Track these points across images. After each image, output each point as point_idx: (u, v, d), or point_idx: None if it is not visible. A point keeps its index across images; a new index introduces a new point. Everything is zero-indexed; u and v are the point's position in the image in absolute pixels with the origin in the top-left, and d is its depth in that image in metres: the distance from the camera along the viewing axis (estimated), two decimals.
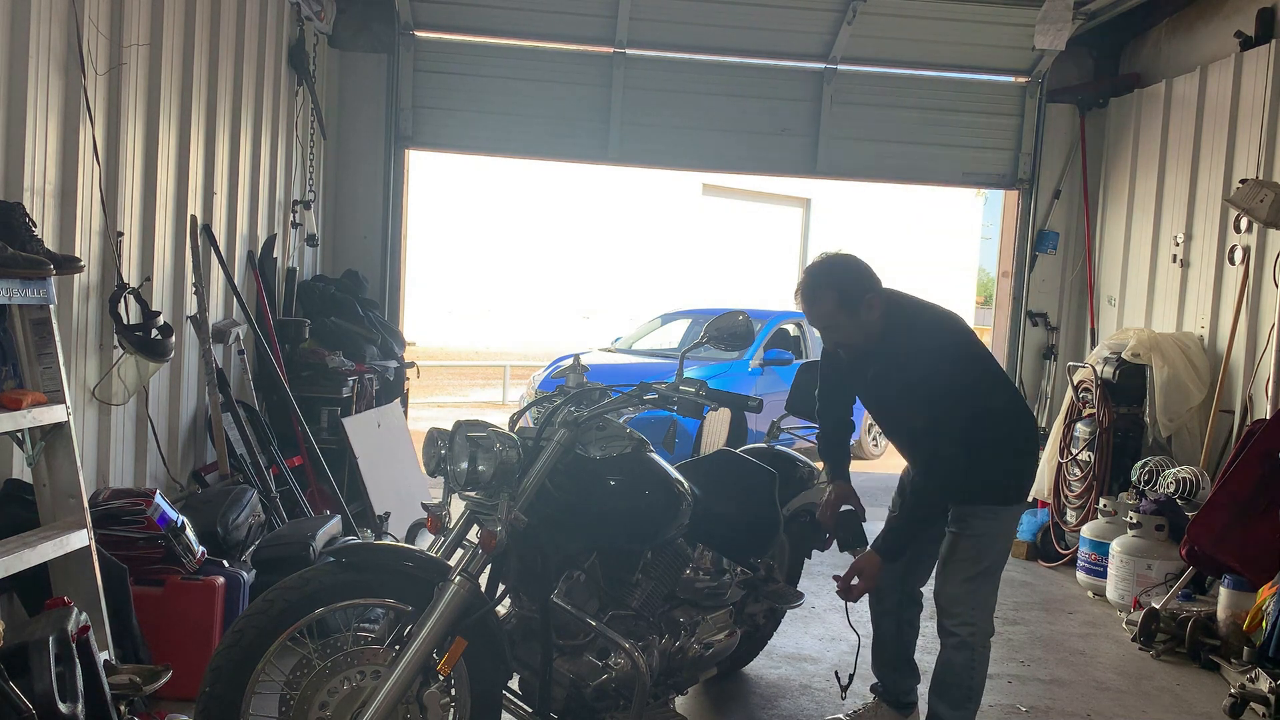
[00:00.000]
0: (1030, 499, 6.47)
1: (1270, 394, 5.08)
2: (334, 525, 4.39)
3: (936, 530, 3.35)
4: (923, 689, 3.62)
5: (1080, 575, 5.66)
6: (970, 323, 3.49)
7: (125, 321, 3.78)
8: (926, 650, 3.65)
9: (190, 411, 4.64)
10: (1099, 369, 6.02)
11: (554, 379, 7.97)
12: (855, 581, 3.22)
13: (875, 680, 3.69)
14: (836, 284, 3.13)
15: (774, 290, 26.23)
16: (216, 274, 4.85)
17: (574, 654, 2.91)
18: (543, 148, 7.06)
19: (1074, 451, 6.08)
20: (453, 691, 2.63)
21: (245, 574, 3.71)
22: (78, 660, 2.61)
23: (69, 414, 3.03)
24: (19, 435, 2.96)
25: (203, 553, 3.57)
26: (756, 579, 3.60)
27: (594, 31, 6.79)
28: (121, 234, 3.92)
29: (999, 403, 3.30)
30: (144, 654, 3.26)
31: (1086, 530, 5.64)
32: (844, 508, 3.43)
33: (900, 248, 30.86)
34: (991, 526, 3.27)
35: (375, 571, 2.62)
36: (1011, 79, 7.20)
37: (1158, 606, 4.69)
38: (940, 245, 31.40)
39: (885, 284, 3.24)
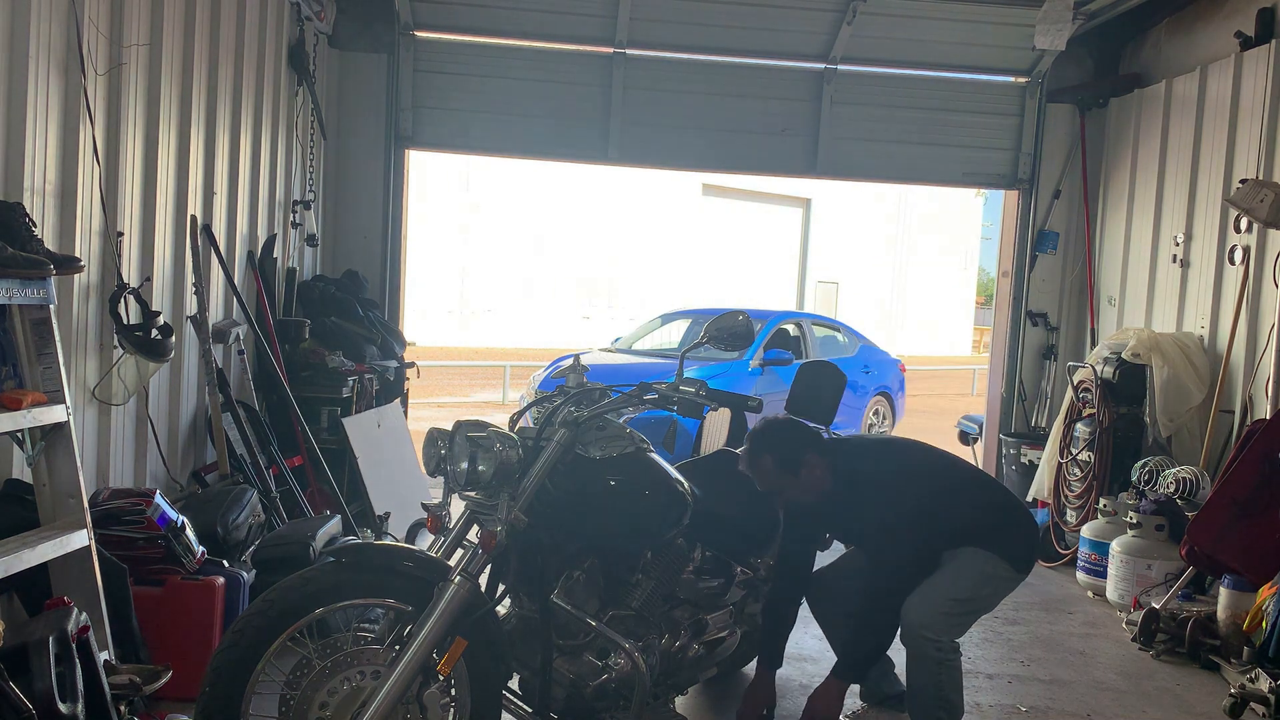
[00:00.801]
0: (1030, 499, 6.49)
1: (1270, 394, 5.08)
2: (334, 525, 4.39)
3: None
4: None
5: (1080, 575, 5.66)
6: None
7: (125, 321, 3.77)
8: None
9: (190, 411, 4.64)
10: (1099, 369, 6.02)
11: (554, 379, 7.96)
12: (817, 713, 3.23)
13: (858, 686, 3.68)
14: (772, 448, 3.27)
15: (774, 290, 26.29)
16: (216, 274, 4.85)
17: (574, 654, 2.91)
18: (543, 148, 7.06)
19: (1074, 451, 6.08)
20: (453, 691, 2.64)
21: (245, 574, 3.71)
22: (78, 660, 2.61)
23: (69, 414, 3.03)
24: (19, 435, 2.96)
25: (203, 553, 3.56)
26: (756, 579, 3.60)
27: (594, 31, 6.79)
28: (121, 234, 3.92)
29: (979, 494, 3.49)
30: (144, 654, 3.26)
31: (1086, 530, 5.64)
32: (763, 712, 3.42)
33: (900, 248, 30.95)
34: (983, 567, 3.29)
35: (375, 571, 2.63)
36: (1011, 79, 7.20)
37: (1158, 606, 4.69)
38: (940, 245, 31.43)
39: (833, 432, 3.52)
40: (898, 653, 3.55)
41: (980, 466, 7.28)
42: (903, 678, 3.56)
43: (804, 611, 3.99)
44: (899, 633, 3.29)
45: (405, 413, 6.51)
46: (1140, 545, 5.15)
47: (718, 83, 6.97)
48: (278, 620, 2.47)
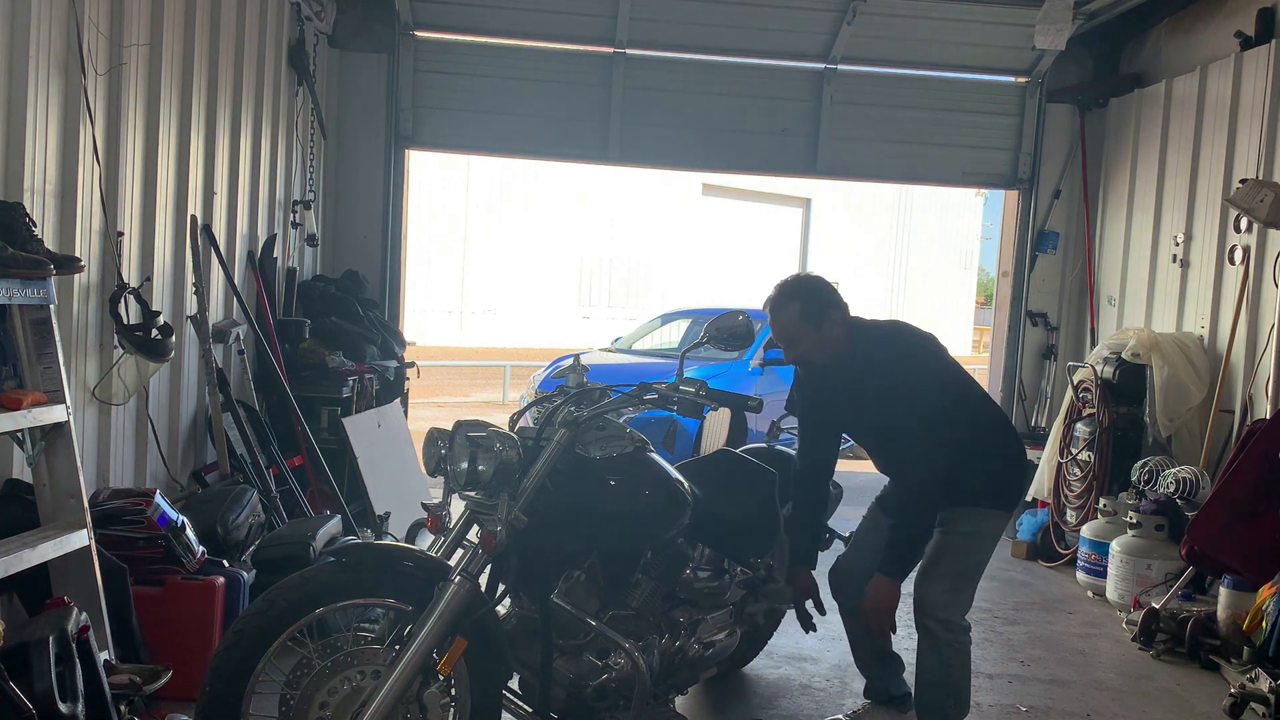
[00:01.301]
0: (1030, 499, 6.49)
1: (1270, 394, 5.08)
2: (334, 525, 4.39)
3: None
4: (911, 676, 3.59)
5: (1080, 575, 5.66)
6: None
7: (125, 321, 3.78)
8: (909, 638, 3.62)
9: (190, 411, 4.64)
10: (1099, 369, 6.03)
11: (554, 379, 7.96)
12: (872, 608, 3.18)
13: (865, 682, 3.67)
14: (800, 296, 3.22)
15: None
16: (216, 274, 4.85)
17: (574, 654, 2.91)
18: (543, 148, 7.07)
19: (1074, 451, 6.09)
20: (453, 691, 2.63)
21: (245, 574, 3.71)
22: (78, 660, 2.61)
23: (69, 414, 3.03)
24: (19, 435, 2.96)
25: (203, 553, 3.56)
26: (756, 579, 3.60)
27: (594, 31, 6.79)
28: (121, 234, 3.92)
29: (981, 412, 3.40)
30: (144, 654, 3.26)
31: (1086, 530, 5.64)
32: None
33: (900, 248, 30.94)
34: (980, 528, 3.29)
35: (375, 571, 2.62)
36: (1011, 79, 7.20)
37: (1158, 606, 4.69)
38: (940, 245, 31.43)
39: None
40: (908, 652, 3.54)
41: None
42: (910, 679, 3.54)
43: None
44: (911, 617, 3.28)
45: (405, 413, 6.51)
46: (1140, 545, 5.14)
47: (718, 83, 6.97)
48: (278, 620, 2.47)
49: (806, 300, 3.21)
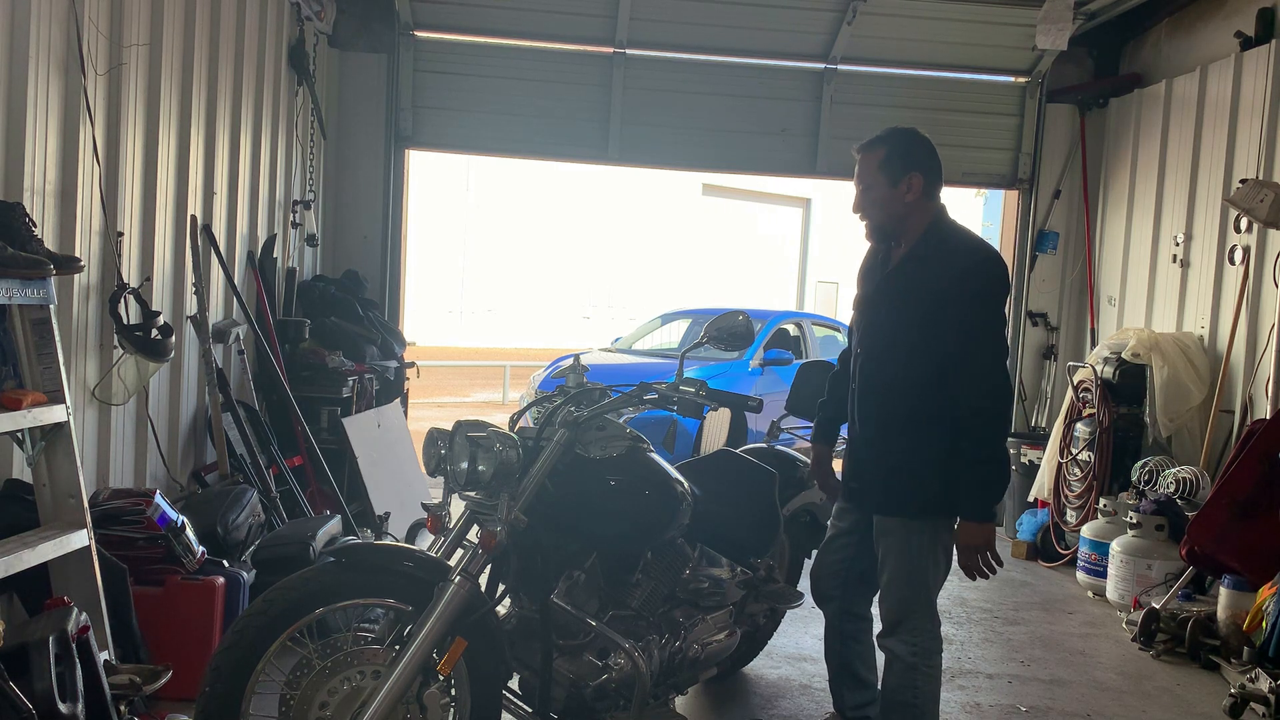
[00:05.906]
0: (1030, 499, 6.49)
1: (1270, 394, 5.08)
2: (334, 525, 4.39)
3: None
4: None
5: (1080, 575, 5.66)
6: None
7: (125, 321, 3.78)
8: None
9: (190, 411, 4.64)
10: (1099, 369, 6.03)
11: (554, 379, 7.97)
12: (963, 546, 2.89)
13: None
14: (890, 143, 2.99)
15: (774, 290, 26.29)
16: (216, 274, 4.85)
17: (574, 654, 2.90)
18: (543, 148, 7.07)
19: (1074, 451, 6.09)
20: (453, 691, 2.63)
21: (245, 574, 3.71)
22: (78, 660, 2.61)
23: (69, 414, 3.03)
24: (19, 435, 2.96)
25: (203, 553, 3.56)
26: (756, 579, 3.59)
27: (594, 31, 6.79)
28: (121, 234, 3.92)
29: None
30: (144, 654, 3.26)
31: (1086, 530, 5.64)
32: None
33: None
34: (937, 540, 2.98)
35: (375, 571, 2.62)
36: (1011, 79, 7.20)
37: (1158, 606, 4.69)
38: None
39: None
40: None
41: None
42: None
43: (805, 613, 4.00)
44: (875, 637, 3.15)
45: (405, 413, 6.51)
46: (1140, 545, 5.14)
47: (718, 83, 6.97)
48: (278, 620, 2.47)
49: (895, 149, 2.96)
